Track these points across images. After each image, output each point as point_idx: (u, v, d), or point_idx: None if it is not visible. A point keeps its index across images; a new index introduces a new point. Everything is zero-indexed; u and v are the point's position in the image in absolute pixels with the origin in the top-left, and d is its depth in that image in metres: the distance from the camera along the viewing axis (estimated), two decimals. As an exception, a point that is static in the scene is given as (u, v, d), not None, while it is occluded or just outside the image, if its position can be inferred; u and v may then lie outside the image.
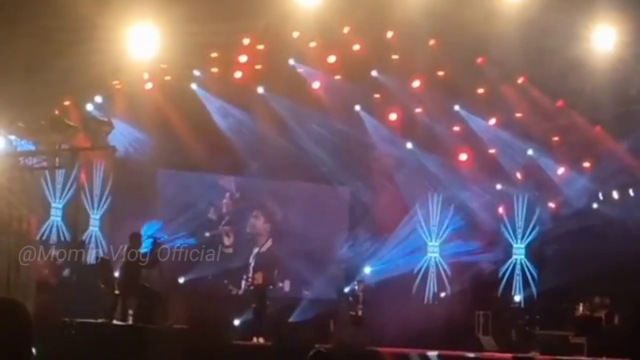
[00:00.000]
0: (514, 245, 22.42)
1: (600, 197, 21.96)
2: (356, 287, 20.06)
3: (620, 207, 21.34)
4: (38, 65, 13.82)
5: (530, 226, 22.30)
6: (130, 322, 14.83)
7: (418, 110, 21.95)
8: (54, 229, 19.57)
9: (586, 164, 21.91)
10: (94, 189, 20.47)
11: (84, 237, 19.77)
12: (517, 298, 21.98)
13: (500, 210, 22.71)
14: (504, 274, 22.22)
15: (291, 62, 20.86)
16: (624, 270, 19.21)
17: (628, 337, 17.14)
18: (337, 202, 22.64)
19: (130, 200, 19.69)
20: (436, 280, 22.15)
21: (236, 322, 18.98)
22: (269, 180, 21.82)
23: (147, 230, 17.79)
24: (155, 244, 15.68)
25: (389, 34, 20.15)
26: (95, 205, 20.50)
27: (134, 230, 16.19)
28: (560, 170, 22.14)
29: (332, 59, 20.59)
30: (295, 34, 19.50)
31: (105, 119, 17.45)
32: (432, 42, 19.96)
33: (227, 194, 22.07)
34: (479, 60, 20.52)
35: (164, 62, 18.55)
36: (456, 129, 22.15)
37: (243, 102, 21.11)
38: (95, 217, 20.48)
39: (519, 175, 22.49)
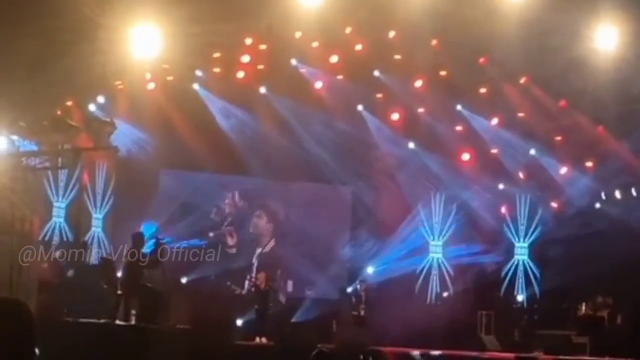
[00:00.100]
0: (517, 245, 22.43)
1: (603, 196, 21.92)
2: (359, 287, 20.04)
3: (623, 207, 21.32)
4: (41, 66, 13.84)
5: (533, 226, 22.31)
6: (132, 322, 14.83)
7: (420, 110, 21.92)
8: (57, 229, 19.58)
9: (589, 164, 21.87)
10: (96, 189, 20.47)
11: (86, 238, 19.79)
12: (520, 298, 21.99)
13: (503, 210, 22.71)
14: (506, 273, 22.23)
15: (293, 62, 20.85)
16: (626, 269, 19.18)
17: (630, 337, 17.15)
18: (340, 202, 22.64)
19: (132, 201, 19.71)
20: (438, 280, 22.15)
21: (239, 322, 18.95)
22: (272, 180, 21.79)
23: (145, 230, 17.77)
24: (158, 244, 15.68)
25: (391, 34, 20.12)
26: (98, 206, 20.51)
27: (136, 230, 16.21)
28: (563, 170, 22.12)
29: (334, 59, 20.57)
30: (298, 34, 19.50)
31: (108, 119, 17.50)
32: (434, 41, 19.95)
33: (230, 194, 22.07)
34: (481, 59, 20.49)
35: (166, 63, 18.55)
36: (458, 128, 22.13)
37: (245, 102, 21.10)
38: (97, 217, 20.49)
39: (521, 175, 22.48)
